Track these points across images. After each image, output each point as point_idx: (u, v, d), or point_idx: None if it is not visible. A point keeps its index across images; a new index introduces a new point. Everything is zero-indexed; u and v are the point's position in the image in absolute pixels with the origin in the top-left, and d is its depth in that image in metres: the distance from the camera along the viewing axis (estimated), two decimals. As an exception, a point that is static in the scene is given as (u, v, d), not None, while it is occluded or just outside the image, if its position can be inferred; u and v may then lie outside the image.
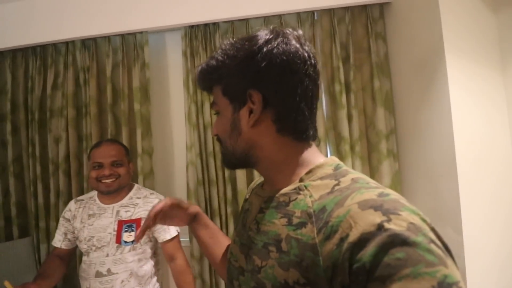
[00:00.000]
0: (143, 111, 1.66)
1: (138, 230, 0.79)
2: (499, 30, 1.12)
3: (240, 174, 1.57)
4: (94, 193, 1.20)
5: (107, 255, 1.02)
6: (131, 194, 1.13)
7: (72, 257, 1.23)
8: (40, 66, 1.72)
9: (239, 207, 1.57)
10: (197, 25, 1.63)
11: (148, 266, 1.10)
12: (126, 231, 1.03)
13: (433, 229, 0.31)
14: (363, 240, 0.29)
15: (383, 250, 0.28)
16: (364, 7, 1.57)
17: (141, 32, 1.66)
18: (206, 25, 1.63)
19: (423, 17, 1.25)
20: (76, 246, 1.17)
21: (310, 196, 0.38)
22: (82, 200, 1.19)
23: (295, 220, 0.37)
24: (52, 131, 1.70)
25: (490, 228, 1.10)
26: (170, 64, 1.78)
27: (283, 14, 1.59)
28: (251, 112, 0.41)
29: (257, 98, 0.41)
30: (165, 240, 1.13)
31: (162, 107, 1.78)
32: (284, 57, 0.39)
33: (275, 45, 0.40)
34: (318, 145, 0.47)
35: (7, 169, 1.73)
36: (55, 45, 1.72)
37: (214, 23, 1.62)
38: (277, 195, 0.42)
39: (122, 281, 1.01)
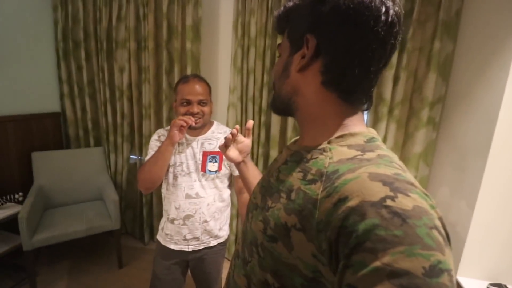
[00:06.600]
0: (194, 50, 1.77)
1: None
2: None
3: (275, 121, 1.68)
4: None
5: (195, 181, 1.11)
6: (213, 128, 1.18)
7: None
8: (106, -3, 1.86)
9: (269, 150, 1.74)
10: (252, -38, 1.56)
11: (227, 194, 1.20)
12: (210, 162, 1.13)
13: (440, 218, 0.30)
14: (363, 207, 0.29)
15: (382, 225, 0.27)
16: None
17: (196, -33, 1.65)
18: (261, -38, 1.55)
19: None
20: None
21: (330, 158, 0.38)
22: None
23: (309, 177, 0.39)
24: (117, 61, 1.93)
25: (502, 212, 1.11)
26: (221, 5, 1.78)
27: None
28: (303, 57, 0.41)
29: (311, 43, 0.40)
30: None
31: (211, 47, 1.86)
32: (352, 6, 0.36)
33: None
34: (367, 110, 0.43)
35: (83, 89, 2.07)
36: (118, -23, 1.81)
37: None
38: (302, 151, 0.44)
39: (208, 204, 1.12)
